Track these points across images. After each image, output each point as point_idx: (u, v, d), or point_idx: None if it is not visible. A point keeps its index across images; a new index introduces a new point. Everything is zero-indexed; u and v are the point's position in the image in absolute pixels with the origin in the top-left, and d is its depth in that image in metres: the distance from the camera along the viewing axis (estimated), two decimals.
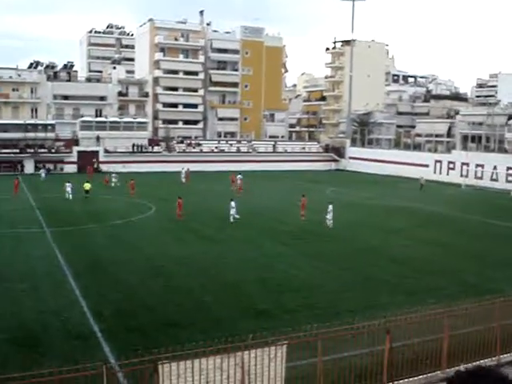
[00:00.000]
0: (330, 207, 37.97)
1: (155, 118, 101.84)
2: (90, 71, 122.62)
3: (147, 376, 11.46)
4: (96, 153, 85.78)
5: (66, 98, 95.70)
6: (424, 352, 14.04)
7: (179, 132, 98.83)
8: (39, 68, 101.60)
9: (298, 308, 20.75)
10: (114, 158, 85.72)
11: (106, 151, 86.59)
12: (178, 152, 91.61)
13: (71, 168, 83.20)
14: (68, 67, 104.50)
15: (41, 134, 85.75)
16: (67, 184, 52.78)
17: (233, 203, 39.38)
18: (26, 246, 31.77)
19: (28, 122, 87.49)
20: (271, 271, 26.31)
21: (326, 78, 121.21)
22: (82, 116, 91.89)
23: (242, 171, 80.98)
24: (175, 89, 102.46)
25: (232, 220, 38.85)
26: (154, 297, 21.96)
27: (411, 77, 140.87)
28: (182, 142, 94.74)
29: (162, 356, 11.41)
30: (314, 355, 12.83)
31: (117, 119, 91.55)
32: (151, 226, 38.25)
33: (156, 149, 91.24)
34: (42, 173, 70.74)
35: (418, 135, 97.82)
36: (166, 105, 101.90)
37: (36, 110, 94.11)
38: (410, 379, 13.71)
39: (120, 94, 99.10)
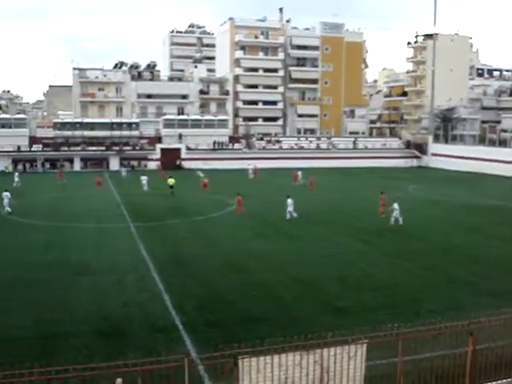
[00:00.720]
0: (395, 205, 37.30)
1: (235, 115, 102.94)
2: (172, 70, 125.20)
3: (227, 370, 11.64)
4: (178, 150, 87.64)
5: (149, 96, 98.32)
6: (509, 355, 13.56)
7: (259, 129, 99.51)
8: (124, 68, 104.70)
9: (377, 306, 20.48)
10: (196, 155, 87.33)
11: (188, 148, 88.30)
12: (258, 149, 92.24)
13: (154, 165, 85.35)
14: (151, 67, 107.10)
15: (125, 132, 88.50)
16: (142, 177, 55.87)
17: (289, 200, 39.27)
18: (112, 240, 32.90)
19: (113, 120, 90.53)
20: (350, 269, 26.07)
21: (408, 72, 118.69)
22: (165, 114, 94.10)
23: (322, 168, 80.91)
24: (255, 86, 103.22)
25: (288, 217, 38.83)
26: (234, 292, 22.24)
27: (496, 70, 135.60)
28: (261, 139, 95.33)
29: (242, 351, 11.54)
30: (394, 355, 12.64)
31: (198, 117, 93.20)
32: (231, 222, 38.71)
33: (236, 146, 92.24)
34: (123, 171, 72.88)
35: (504, 131, 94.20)
36: (246, 102, 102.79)
37: (121, 109, 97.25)
38: (494, 383, 13.28)
39: (201, 92, 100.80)
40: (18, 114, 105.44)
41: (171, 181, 54.00)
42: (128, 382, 11.06)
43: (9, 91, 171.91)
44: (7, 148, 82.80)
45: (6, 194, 43.32)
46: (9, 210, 42.48)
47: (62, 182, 64.43)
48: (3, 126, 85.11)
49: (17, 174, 63.00)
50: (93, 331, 18.03)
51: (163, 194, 53.21)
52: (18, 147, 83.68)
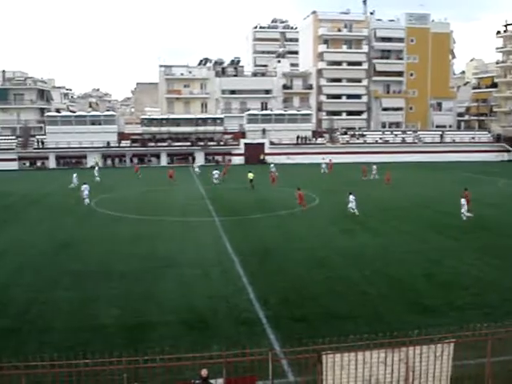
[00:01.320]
0: (463, 201, 36.24)
1: (319, 109, 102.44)
2: (256, 65, 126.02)
3: (311, 365, 11.58)
4: (262, 145, 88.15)
5: (233, 92, 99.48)
6: None
7: (343, 123, 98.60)
8: (208, 65, 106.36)
9: (466, 305, 19.78)
10: (279, 149, 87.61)
11: (272, 143, 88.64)
12: (342, 143, 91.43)
13: (239, 159, 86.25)
14: (235, 63, 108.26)
15: (210, 128, 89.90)
16: (214, 172, 58.77)
17: (351, 197, 38.62)
18: (198, 233, 33.48)
19: (198, 116, 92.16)
20: (438, 265, 25.31)
21: (497, 63, 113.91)
22: (249, 109, 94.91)
23: (407, 162, 79.25)
24: (339, 80, 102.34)
25: (352, 211, 38.34)
26: (318, 287, 22.10)
27: None
28: (345, 134, 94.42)
29: (326, 346, 11.45)
30: (482, 355, 12.19)
31: (282, 112, 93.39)
32: (315, 217, 38.50)
33: (320, 140, 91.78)
34: (196, 167, 73.33)
35: None
36: (329, 96, 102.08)
37: (206, 105, 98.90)
38: None
39: (284, 86, 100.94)
40: (108, 111, 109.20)
41: (251, 175, 54.53)
42: (213, 372, 11.20)
43: (98, 89, 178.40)
44: (97, 144, 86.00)
45: (86, 187, 45.59)
46: (87, 201, 44.69)
47: (138, 175, 66.63)
48: (93, 123, 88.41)
49: (96, 168, 65.75)
50: (179, 322, 18.40)
51: (246, 188, 53.64)
52: (108, 143, 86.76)
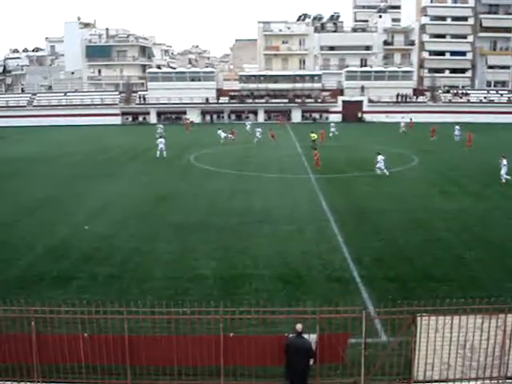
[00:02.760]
0: (504, 161, 34.87)
1: (421, 66, 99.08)
2: (356, 21, 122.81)
3: (405, 326, 11.55)
4: (360, 103, 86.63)
5: (332, 48, 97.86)
6: None
7: (445, 81, 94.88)
8: (307, 20, 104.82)
9: None
10: (378, 108, 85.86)
11: (370, 101, 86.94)
12: (444, 102, 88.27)
13: (336, 118, 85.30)
14: (334, 18, 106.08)
15: (308, 85, 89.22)
16: (257, 129, 60.57)
17: (380, 157, 37.91)
18: (293, 190, 33.69)
19: (296, 72, 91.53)
20: None
21: None
22: (347, 66, 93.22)
23: None
24: (442, 36, 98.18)
25: (379, 172, 37.78)
26: (414, 249, 21.78)
27: None
28: (448, 92, 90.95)
29: (422, 309, 11.36)
30: None
31: (381, 69, 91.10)
32: (414, 178, 37.69)
33: (421, 99, 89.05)
34: (248, 125, 71.86)
35: None
36: (432, 53, 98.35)
37: (304, 62, 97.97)
38: None
39: (385, 43, 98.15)
40: (207, 67, 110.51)
41: (313, 136, 54.30)
42: (306, 327, 11.41)
43: (197, 46, 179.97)
44: (196, 100, 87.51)
45: (161, 141, 48.22)
46: (164, 154, 47.00)
47: (189, 131, 69.19)
48: (193, 80, 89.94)
49: (161, 126, 67.69)
50: (273, 276, 18.75)
51: (344, 146, 53.15)
52: (207, 99, 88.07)
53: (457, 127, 59.32)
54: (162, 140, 48.50)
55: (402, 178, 37.83)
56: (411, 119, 72.26)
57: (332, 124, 67.04)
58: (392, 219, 26.33)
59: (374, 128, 76.13)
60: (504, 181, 35.02)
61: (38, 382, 11.84)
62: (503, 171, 35.15)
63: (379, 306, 14.14)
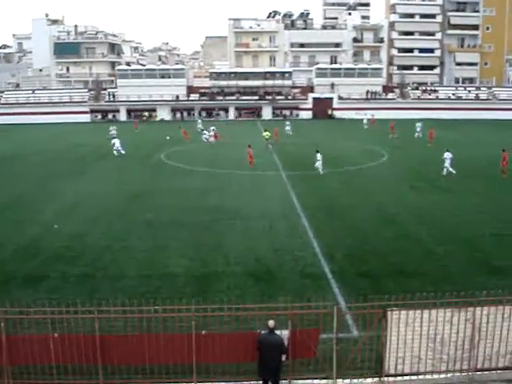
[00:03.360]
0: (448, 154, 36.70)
1: (390, 63, 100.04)
2: (326, 18, 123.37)
3: (376, 321, 11.66)
4: (330, 100, 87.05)
5: (302, 45, 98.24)
6: None
7: (414, 78, 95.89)
8: (277, 17, 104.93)
9: None
10: (348, 104, 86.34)
11: (340, 98, 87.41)
12: (413, 99, 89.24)
13: (306, 115, 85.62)
14: (304, 15, 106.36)
15: (278, 82, 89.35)
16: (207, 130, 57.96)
17: (319, 155, 37.48)
18: (264, 187, 33.74)
19: (266, 70, 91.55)
20: (511, 227, 24.63)
21: None
22: (318, 63, 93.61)
23: (481, 120, 76.73)
24: (411, 33, 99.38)
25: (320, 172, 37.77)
26: (385, 244, 21.98)
27: None
28: (417, 89, 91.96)
29: (392, 303, 11.47)
30: None
31: (351, 66, 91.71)
32: (384, 174, 38.04)
33: (390, 95, 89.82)
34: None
35: None
36: (401, 50, 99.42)
37: (274, 59, 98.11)
38: None
39: (355, 40, 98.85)
40: (177, 64, 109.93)
41: (266, 134, 53.25)
42: (278, 323, 11.45)
43: (167, 43, 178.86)
44: (167, 97, 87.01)
45: (116, 141, 48.36)
46: (122, 152, 47.05)
47: (137, 130, 68.38)
48: (163, 77, 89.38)
49: (114, 127, 61.45)
50: (245, 273, 18.76)
51: (313, 143, 53.29)
52: (177, 96, 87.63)
53: (418, 124, 59.66)
54: (117, 140, 48.30)
55: (372, 174, 38.15)
56: (373, 116, 72.95)
57: (287, 123, 66.70)
58: (363, 215, 26.54)
59: (343, 125, 76.63)
60: (445, 173, 36.53)
61: (9, 383, 11.67)
62: (447, 163, 36.69)
63: (350, 302, 14.27)
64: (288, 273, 18.81)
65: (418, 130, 58.93)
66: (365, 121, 70.03)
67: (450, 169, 36.75)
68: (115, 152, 47.03)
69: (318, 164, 37.68)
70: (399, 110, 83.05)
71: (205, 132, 58.82)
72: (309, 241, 22.39)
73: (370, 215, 26.49)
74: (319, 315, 11.77)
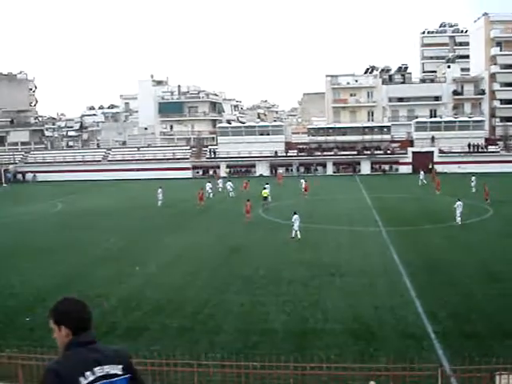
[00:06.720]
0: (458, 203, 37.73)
1: (492, 115, 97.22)
2: (424, 72, 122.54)
3: None
4: (431, 153, 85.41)
5: (400, 99, 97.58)
6: None
7: None
8: (375, 72, 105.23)
9: None
10: (449, 158, 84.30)
11: (441, 151, 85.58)
12: None
13: (406, 169, 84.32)
14: (402, 69, 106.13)
15: (377, 136, 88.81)
16: (228, 183, 60.48)
17: (296, 216, 34.48)
18: (364, 243, 33.26)
19: (365, 124, 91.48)
20: None
21: None
22: (417, 117, 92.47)
23: None
24: None
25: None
26: (491, 303, 20.96)
27: None
28: None
29: (500, 366, 10.89)
30: None
31: (452, 119, 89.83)
32: (490, 229, 36.56)
33: (493, 148, 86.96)
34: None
35: None
36: (503, 101, 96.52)
37: (372, 113, 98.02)
38: None
39: (455, 92, 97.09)
40: (275, 121, 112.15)
41: (265, 192, 51.01)
42: None
43: (266, 101, 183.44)
44: (265, 153, 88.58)
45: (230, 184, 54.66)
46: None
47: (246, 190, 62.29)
48: (262, 134, 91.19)
49: (160, 190, 53.97)
50: (344, 331, 18.41)
51: (414, 198, 52.31)
52: (276, 152, 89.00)
53: (473, 177, 57.23)
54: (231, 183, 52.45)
55: (476, 229, 36.83)
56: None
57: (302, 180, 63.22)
58: (468, 272, 25.49)
59: (445, 179, 74.64)
60: (459, 222, 37.53)
61: None
62: (458, 212, 37.69)
63: (455, 364, 13.64)
64: (389, 332, 18.29)
65: (473, 184, 56.23)
66: (421, 176, 66.46)
67: (458, 219, 37.61)
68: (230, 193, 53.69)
69: (294, 226, 34.59)
70: (503, 163, 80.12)
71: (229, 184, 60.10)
72: (410, 299, 21.71)
73: (475, 272, 25.40)
74: (422, 377, 11.34)
